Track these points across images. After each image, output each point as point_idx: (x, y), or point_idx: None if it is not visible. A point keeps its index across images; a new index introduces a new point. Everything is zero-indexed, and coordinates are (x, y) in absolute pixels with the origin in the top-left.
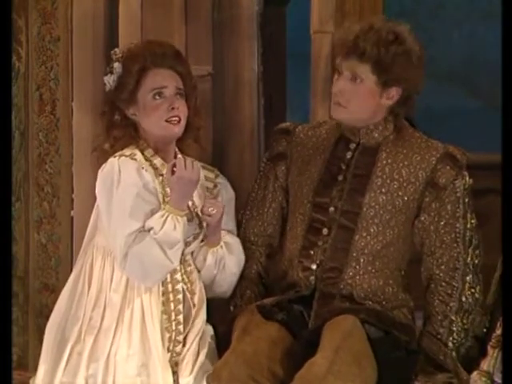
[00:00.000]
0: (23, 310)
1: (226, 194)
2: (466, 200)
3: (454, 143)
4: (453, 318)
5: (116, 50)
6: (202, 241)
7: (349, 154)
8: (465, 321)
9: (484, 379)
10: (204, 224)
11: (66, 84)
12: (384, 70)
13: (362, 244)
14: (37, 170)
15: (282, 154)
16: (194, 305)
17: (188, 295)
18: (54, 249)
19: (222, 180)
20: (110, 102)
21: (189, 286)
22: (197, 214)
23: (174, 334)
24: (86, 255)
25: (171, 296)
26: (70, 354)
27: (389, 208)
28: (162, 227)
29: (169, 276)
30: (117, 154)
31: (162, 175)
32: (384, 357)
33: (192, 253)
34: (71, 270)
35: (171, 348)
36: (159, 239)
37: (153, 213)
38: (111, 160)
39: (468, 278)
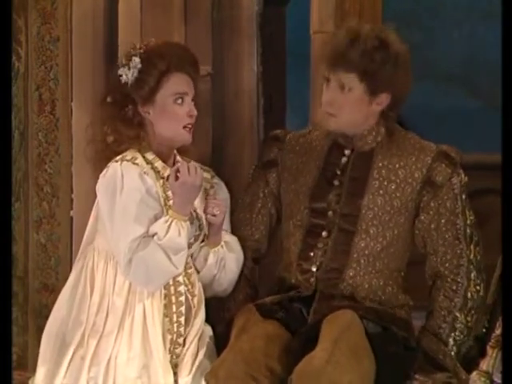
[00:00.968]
0: (23, 309)
1: (222, 194)
2: (464, 197)
3: (454, 143)
4: (457, 314)
5: (135, 44)
6: (202, 241)
7: (344, 160)
8: (469, 318)
9: (483, 379)
10: (204, 225)
11: (65, 84)
12: (372, 78)
13: (362, 245)
14: (36, 169)
15: (273, 160)
16: (194, 306)
17: (189, 297)
18: (54, 249)
19: (217, 180)
20: (124, 95)
21: (190, 287)
22: (197, 216)
23: (175, 335)
24: (86, 258)
25: (173, 298)
26: (71, 358)
27: (387, 209)
28: (166, 233)
29: (171, 279)
30: (118, 157)
31: (163, 178)
32: (381, 352)
33: (192, 254)
34: (71, 270)
35: (172, 350)
36: (164, 245)
37: (156, 218)
38: (113, 165)
39: (472, 274)
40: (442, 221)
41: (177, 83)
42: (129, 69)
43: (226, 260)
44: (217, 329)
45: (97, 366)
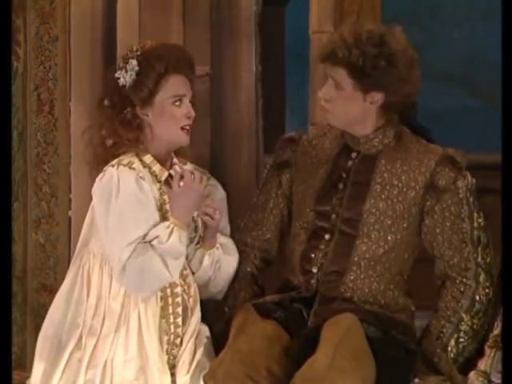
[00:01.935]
0: (21, 309)
1: (218, 194)
2: (471, 200)
3: (454, 143)
4: (463, 315)
5: (132, 46)
6: (197, 243)
7: (350, 163)
8: (475, 321)
9: (481, 379)
10: (199, 227)
11: (64, 84)
12: (360, 74)
13: (364, 249)
14: (35, 169)
15: (287, 161)
16: (190, 306)
17: (185, 297)
18: (52, 249)
19: (212, 181)
20: (122, 97)
21: (186, 288)
22: (192, 218)
23: (172, 336)
24: (82, 260)
25: (170, 300)
26: (68, 360)
27: (389, 214)
28: (168, 238)
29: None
30: (114, 162)
31: (160, 182)
32: (382, 355)
33: (187, 256)
34: None
35: (169, 351)
36: (164, 250)
37: (152, 222)
38: (110, 169)
39: (481, 277)
40: (447, 224)
41: (175, 85)
42: (126, 71)
43: (221, 262)
44: (214, 328)
45: (94, 369)
